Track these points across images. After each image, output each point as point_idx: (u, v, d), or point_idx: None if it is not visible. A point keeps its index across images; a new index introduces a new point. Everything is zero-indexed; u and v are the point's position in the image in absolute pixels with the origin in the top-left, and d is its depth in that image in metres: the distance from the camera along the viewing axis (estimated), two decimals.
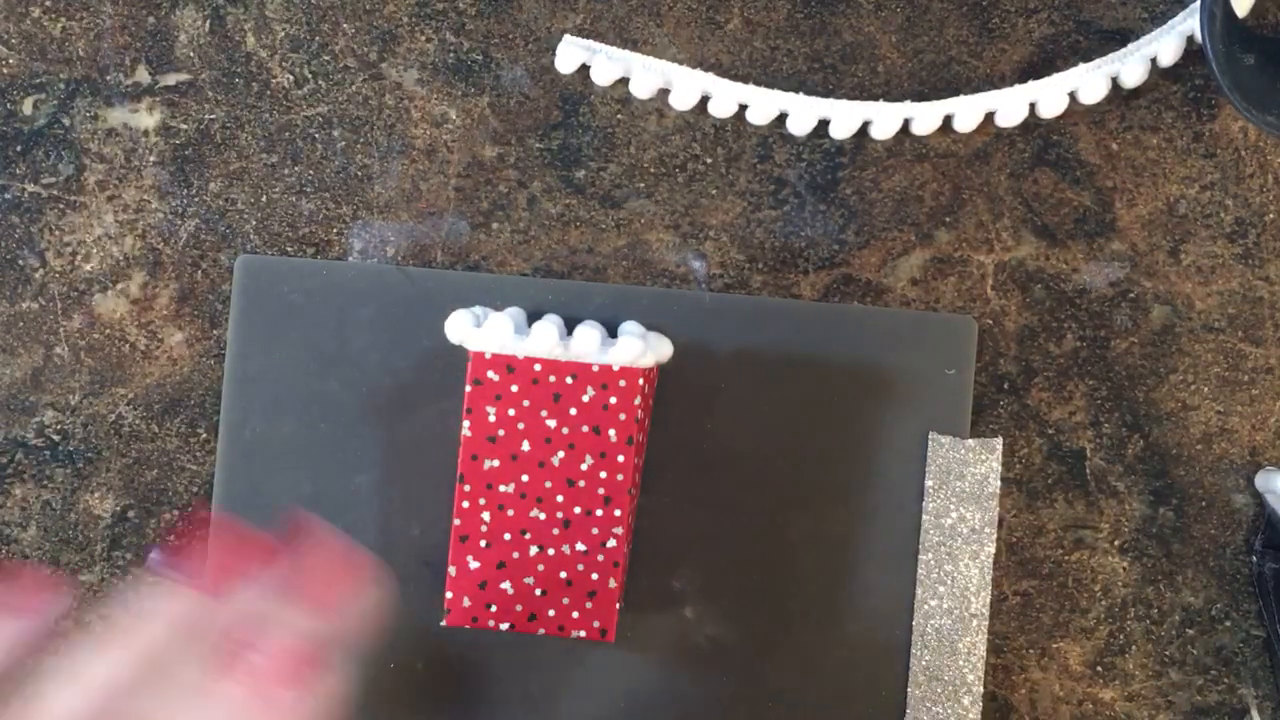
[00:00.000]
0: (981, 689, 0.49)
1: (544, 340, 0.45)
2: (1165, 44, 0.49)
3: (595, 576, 0.46)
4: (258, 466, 0.50)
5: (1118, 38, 0.51)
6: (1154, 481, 0.50)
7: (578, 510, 0.45)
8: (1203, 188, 0.51)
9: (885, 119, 0.50)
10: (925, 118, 0.50)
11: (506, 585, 0.46)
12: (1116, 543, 0.50)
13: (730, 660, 0.50)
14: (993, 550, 0.49)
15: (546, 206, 0.51)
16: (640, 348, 0.45)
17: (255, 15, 0.51)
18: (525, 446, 0.45)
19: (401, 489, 0.50)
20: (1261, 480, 0.50)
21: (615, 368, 0.45)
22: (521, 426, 0.45)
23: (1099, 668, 0.50)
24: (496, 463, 0.45)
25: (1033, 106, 0.50)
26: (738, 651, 0.50)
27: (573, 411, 0.45)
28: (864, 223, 0.51)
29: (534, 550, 0.46)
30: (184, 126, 0.51)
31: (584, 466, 0.45)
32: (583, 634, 0.46)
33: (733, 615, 0.50)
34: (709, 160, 0.51)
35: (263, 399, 0.50)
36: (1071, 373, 0.50)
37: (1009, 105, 0.50)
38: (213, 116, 0.51)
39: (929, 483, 0.49)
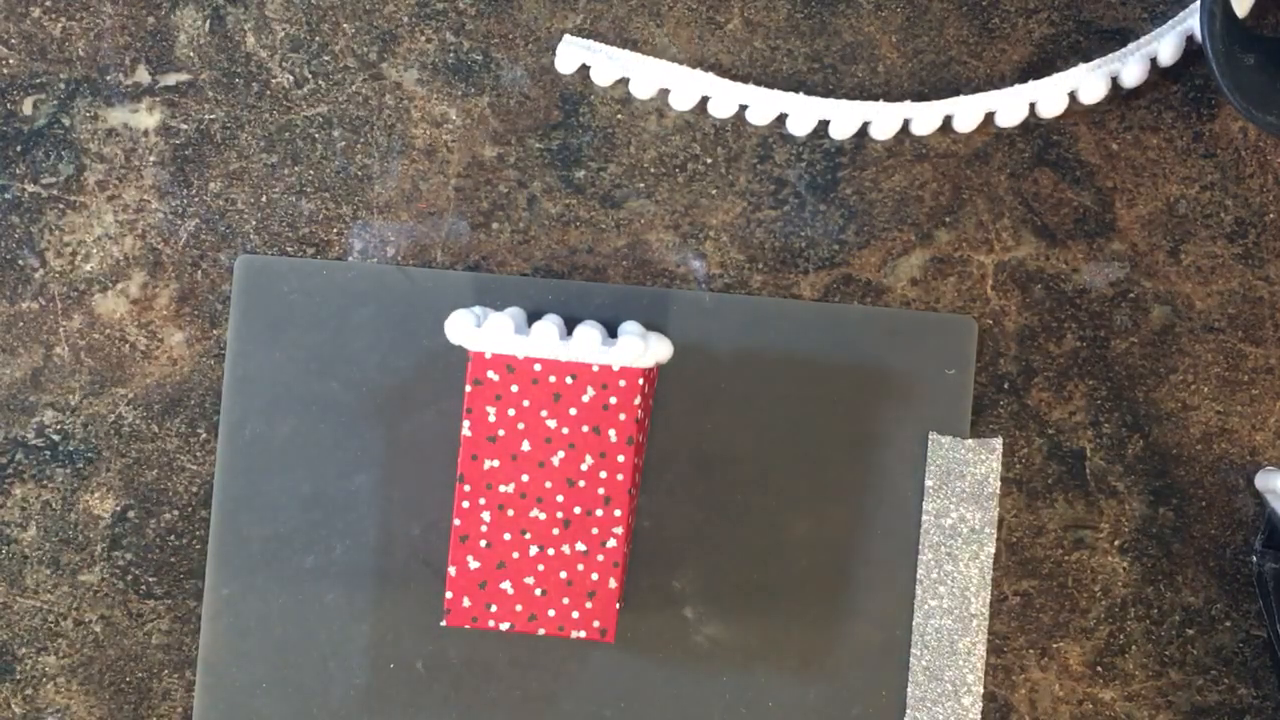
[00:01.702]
0: (981, 689, 0.49)
1: (544, 340, 0.45)
2: (1165, 44, 0.49)
3: (595, 576, 0.46)
4: (258, 466, 0.50)
5: (1118, 38, 0.51)
6: (1154, 481, 0.50)
7: (578, 510, 0.45)
8: (1203, 188, 0.51)
9: (885, 119, 0.50)
10: (925, 118, 0.50)
11: (506, 585, 0.46)
12: (1116, 543, 0.50)
13: (730, 660, 0.50)
14: (993, 550, 0.49)
15: (546, 206, 0.51)
16: (640, 348, 0.45)
17: (255, 15, 0.51)
18: (525, 446, 0.45)
19: (401, 489, 0.50)
20: (1261, 480, 0.50)
21: (615, 368, 0.45)
22: (521, 426, 0.45)
23: (1099, 668, 0.50)
24: (496, 463, 0.45)
25: (1033, 106, 0.50)
26: (738, 651, 0.50)
27: (573, 411, 0.45)
28: (864, 223, 0.51)
29: (534, 550, 0.46)
30: (184, 126, 0.51)
31: (584, 466, 0.45)
32: (583, 634, 0.46)
33: (733, 615, 0.50)
34: (709, 160, 0.51)
35: (263, 399, 0.50)
36: (1071, 373, 0.50)
37: (1009, 105, 0.50)
38: (213, 116, 0.51)
39: (929, 483, 0.49)
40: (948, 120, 0.50)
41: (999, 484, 0.50)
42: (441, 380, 0.50)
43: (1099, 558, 0.50)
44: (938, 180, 0.51)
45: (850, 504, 0.50)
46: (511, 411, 0.45)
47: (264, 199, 0.51)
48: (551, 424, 0.45)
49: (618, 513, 0.45)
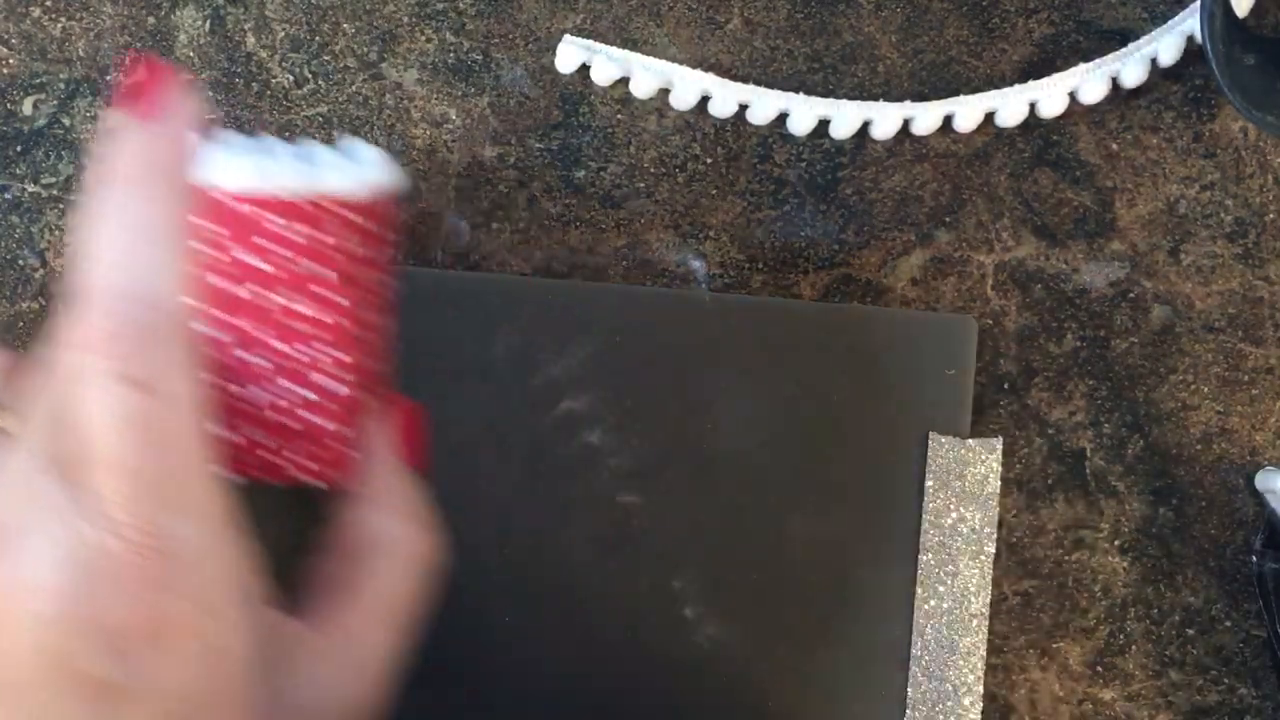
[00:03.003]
0: (981, 689, 0.49)
1: (247, 175, 0.41)
2: (1165, 44, 0.49)
3: (330, 425, 0.43)
4: None
5: (1118, 38, 0.51)
6: (1154, 481, 0.50)
7: (303, 357, 0.42)
8: (1203, 188, 0.51)
9: (885, 119, 0.50)
10: (925, 118, 0.50)
11: (237, 436, 0.43)
12: (1116, 543, 0.50)
13: (730, 660, 0.50)
14: (993, 550, 0.49)
15: (546, 206, 0.51)
16: (348, 181, 0.42)
17: (255, 15, 0.51)
18: (244, 294, 0.42)
19: None
20: (1261, 480, 0.50)
21: (328, 205, 0.42)
22: (237, 272, 0.42)
23: (1099, 668, 0.50)
24: (218, 312, 0.42)
25: (1033, 106, 0.50)
26: (738, 651, 0.50)
27: (287, 253, 0.42)
28: (864, 223, 0.51)
29: (262, 397, 0.43)
30: None
31: (305, 310, 0.42)
32: (320, 482, 0.43)
33: (733, 615, 0.50)
34: (709, 160, 0.51)
35: None
36: (1071, 373, 0.50)
37: (1009, 105, 0.50)
38: (213, 116, 0.51)
39: (929, 483, 0.49)
40: (948, 120, 0.50)
41: (999, 484, 0.50)
42: (440, 379, 0.50)
43: (1099, 558, 0.50)
44: (938, 180, 0.51)
45: (850, 504, 0.50)
46: (227, 258, 0.42)
47: None
48: (268, 268, 0.42)
49: (347, 359, 0.43)
